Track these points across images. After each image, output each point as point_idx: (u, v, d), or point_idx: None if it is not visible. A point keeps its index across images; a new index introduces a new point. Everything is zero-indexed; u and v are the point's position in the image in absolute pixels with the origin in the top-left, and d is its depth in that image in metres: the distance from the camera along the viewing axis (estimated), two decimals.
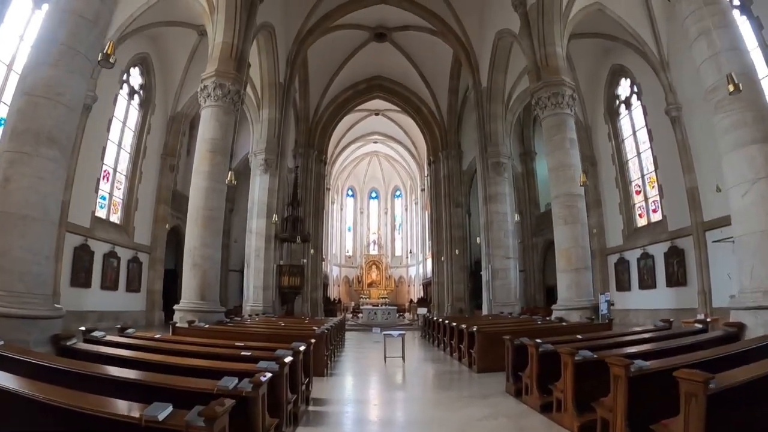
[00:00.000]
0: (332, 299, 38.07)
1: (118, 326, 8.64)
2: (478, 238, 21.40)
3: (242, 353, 5.85)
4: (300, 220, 23.97)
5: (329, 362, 10.56)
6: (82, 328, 7.39)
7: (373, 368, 11.20)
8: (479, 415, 6.44)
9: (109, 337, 7.31)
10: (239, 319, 15.20)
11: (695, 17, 9.43)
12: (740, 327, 7.68)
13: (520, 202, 28.43)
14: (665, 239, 18.78)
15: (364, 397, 8.27)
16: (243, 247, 22.72)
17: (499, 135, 22.31)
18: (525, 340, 7.47)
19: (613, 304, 16.04)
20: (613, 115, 22.54)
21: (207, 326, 11.17)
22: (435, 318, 16.81)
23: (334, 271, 44.91)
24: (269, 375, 4.04)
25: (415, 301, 38.45)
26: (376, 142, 43.72)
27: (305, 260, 24.45)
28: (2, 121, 13.17)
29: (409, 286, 46.67)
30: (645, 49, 18.70)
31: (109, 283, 19.46)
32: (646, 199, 20.75)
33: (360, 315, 30.14)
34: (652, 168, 20.18)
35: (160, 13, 18.90)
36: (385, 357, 11.62)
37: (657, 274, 19.06)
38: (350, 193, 50.85)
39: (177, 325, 11.51)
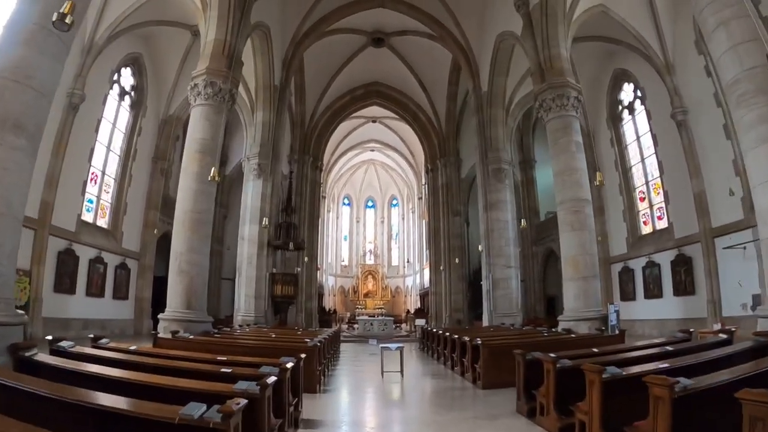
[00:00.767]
0: (327, 309, 37.27)
1: (91, 336, 7.87)
2: (480, 246, 20.72)
3: (222, 370, 5.13)
4: (294, 227, 23.20)
5: (322, 377, 9.80)
6: (49, 338, 6.66)
7: (369, 384, 10.42)
8: None
9: (78, 349, 6.57)
10: (228, 329, 14.39)
11: (713, 8, 8.80)
12: None
13: (520, 210, 27.78)
14: (672, 247, 18.25)
15: (360, 419, 7.48)
16: (236, 254, 21.94)
17: (499, 140, 21.70)
18: (538, 355, 6.78)
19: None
20: (615, 121, 22.06)
21: (192, 337, 10.43)
22: (434, 330, 16.05)
23: (329, 280, 44.18)
24: (243, 402, 3.29)
25: (412, 311, 37.69)
26: (373, 150, 43.17)
27: (299, 269, 23.69)
28: None
29: (405, 296, 45.99)
30: (649, 52, 18.30)
31: (95, 290, 18.75)
32: (651, 206, 20.21)
33: (356, 326, 29.39)
34: (657, 174, 19.67)
35: (152, 11, 18.43)
36: (382, 371, 10.85)
37: (663, 282, 18.49)
38: (346, 201, 50.23)
39: (160, 335, 10.73)
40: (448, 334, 13.05)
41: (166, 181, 23.31)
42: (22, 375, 4.45)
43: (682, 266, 17.51)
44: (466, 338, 10.57)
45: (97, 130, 19.09)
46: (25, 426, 2.68)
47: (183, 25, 19.90)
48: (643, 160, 20.52)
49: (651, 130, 19.70)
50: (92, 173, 19.18)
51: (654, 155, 19.64)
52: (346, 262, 48.81)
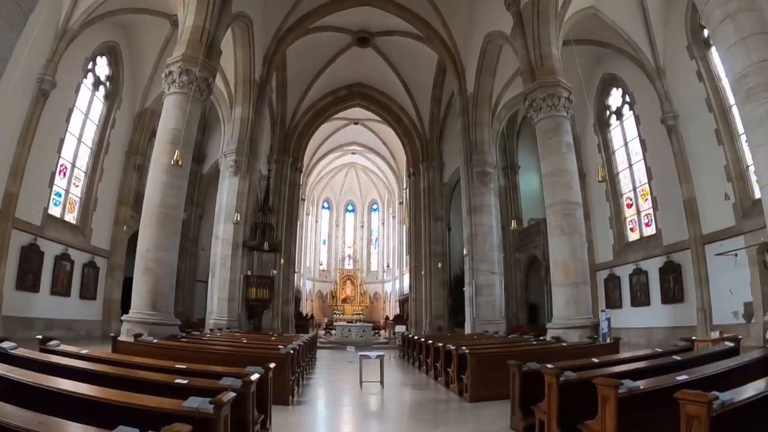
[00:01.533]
0: (304, 314, 36.39)
1: (39, 336, 7.01)
2: (465, 250, 20.09)
3: (176, 381, 4.37)
4: (271, 227, 22.29)
5: (296, 387, 9.04)
6: None
7: (347, 395, 9.65)
8: None
9: (21, 351, 5.73)
10: (198, 333, 13.48)
11: (719, 0, 8.35)
12: None
13: (503, 216, 27.30)
14: (660, 254, 17.93)
15: None
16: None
17: (485, 143, 21.18)
18: (535, 366, 6.17)
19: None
20: (603, 126, 21.79)
21: (155, 341, 9.59)
22: (415, 337, 15.32)
23: (307, 285, 43.30)
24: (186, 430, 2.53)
25: (391, 318, 37.06)
26: (354, 153, 42.53)
27: (275, 271, 22.81)
28: None
29: (384, 302, 45.32)
30: (640, 56, 18.04)
31: (61, 289, 17.73)
32: (638, 212, 19.92)
33: (333, 332, 28.57)
34: (645, 180, 19.39)
35: None
36: (361, 381, 10.07)
37: (651, 290, 18.16)
38: (326, 205, 49.44)
39: (121, 338, 9.85)
40: (430, 341, 12.34)
41: (140, 177, 22.15)
42: None
43: (671, 273, 17.18)
44: (451, 347, 9.88)
45: (68, 120, 18.13)
46: None
47: (162, 14, 18.95)
48: (630, 166, 20.23)
49: (639, 136, 19.42)
50: (61, 165, 18.20)
51: (642, 161, 19.35)
52: (324, 267, 47.98)
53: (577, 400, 5.18)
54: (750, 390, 3.95)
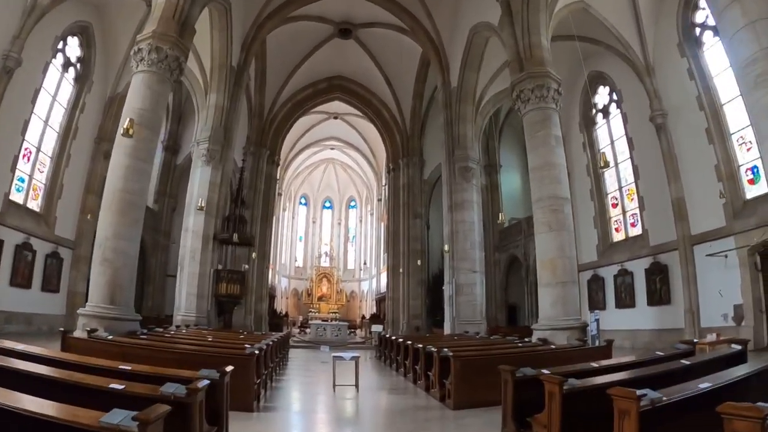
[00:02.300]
0: (279, 312, 35.43)
1: None
2: (446, 246, 19.45)
3: (111, 386, 3.59)
4: (243, 220, 21.36)
5: (263, 390, 8.25)
6: None
7: (319, 400, 8.90)
8: None
9: None
10: (161, 330, 12.53)
11: None
12: None
13: (484, 215, 26.84)
14: (646, 254, 17.59)
15: None
16: None
17: (468, 138, 20.63)
18: (529, 371, 5.54)
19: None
20: (589, 124, 21.45)
21: (111, 338, 8.72)
22: (393, 337, 14.57)
23: (282, 282, 42.48)
24: None
25: (368, 317, 36.38)
26: (333, 149, 41.79)
27: (247, 266, 21.89)
28: None
29: (361, 301, 44.71)
30: (629, 54, 17.69)
31: (21, 280, 16.72)
32: (624, 212, 19.57)
33: (308, 330, 27.76)
34: (631, 179, 19.08)
35: None
36: (334, 385, 9.28)
37: (637, 291, 17.80)
38: (303, 201, 48.59)
39: (72, 335, 8.93)
40: (409, 342, 11.60)
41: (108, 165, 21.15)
42: None
43: (658, 275, 16.84)
44: (432, 348, 9.14)
45: (33, 101, 17.12)
46: None
47: None
48: (617, 164, 19.86)
49: (627, 134, 19.09)
50: (25, 148, 17.19)
51: (629, 160, 19.00)
52: (300, 264, 47.10)
53: (581, 411, 4.56)
54: None
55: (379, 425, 7.28)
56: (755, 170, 14.21)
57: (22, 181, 17.31)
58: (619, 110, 19.77)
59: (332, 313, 39.54)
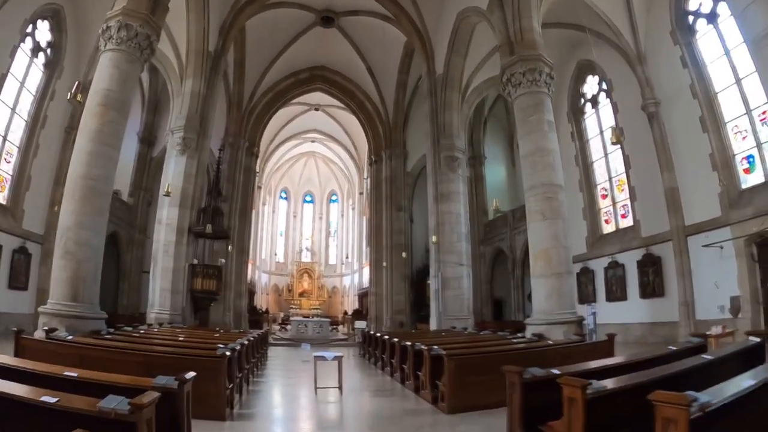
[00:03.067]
0: (259, 309, 34.59)
1: None
2: (433, 237, 18.79)
3: (42, 399, 2.87)
4: (219, 212, 20.44)
5: (238, 395, 7.53)
6: None
7: (299, 404, 8.16)
8: None
9: None
10: (129, 329, 11.63)
11: None
12: None
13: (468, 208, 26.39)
14: (638, 246, 17.18)
15: None
16: None
17: (454, 126, 20.02)
18: (539, 372, 4.93)
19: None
20: (577, 114, 21.06)
21: (71, 338, 7.91)
22: (378, 334, 13.85)
23: (263, 278, 41.51)
24: None
25: (350, 312, 35.73)
26: (314, 141, 40.93)
27: (223, 260, 21.03)
28: None
29: (343, 296, 43.95)
30: (621, 42, 17.28)
31: None
32: (614, 203, 19.18)
33: (288, 327, 26.96)
34: (621, 169, 18.69)
35: None
36: (315, 387, 8.55)
37: (628, 284, 17.41)
38: (283, 195, 47.59)
39: (26, 336, 8.05)
40: (396, 339, 10.85)
41: None
42: None
43: (650, 267, 16.46)
44: (423, 346, 8.41)
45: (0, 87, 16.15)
46: None
47: None
48: (606, 155, 19.49)
49: (617, 124, 18.57)
50: None
51: (619, 150, 18.53)
52: (281, 259, 46.10)
53: (603, 417, 3.94)
54: None
55: None
56: (751, 159, 13.87)
57: None
58: (608, 99, 19.37)
59: (314, 309, 38.74)
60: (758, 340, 6.26)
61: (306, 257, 45.60)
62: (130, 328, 11.70)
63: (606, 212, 19.66)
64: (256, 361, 11.11)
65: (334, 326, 30.08)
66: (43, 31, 18.08)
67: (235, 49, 23.82)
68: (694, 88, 15.11)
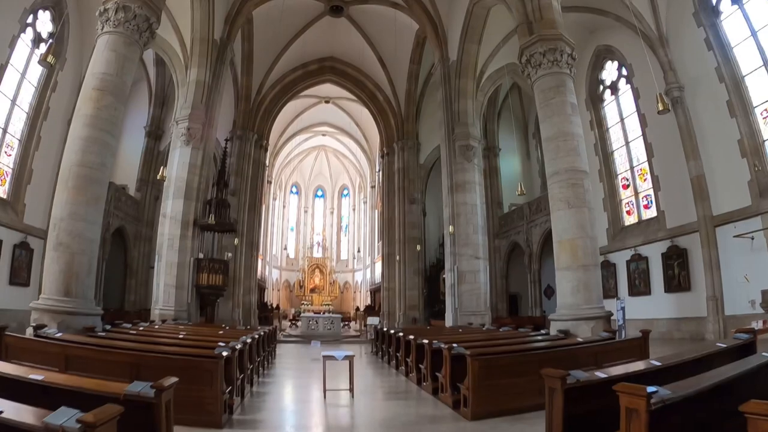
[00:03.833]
0: (269, 305, 34.07)
1: None
2: (450, 227, 18.07)
3: None
4: (226, 204, 19.80)
5: (238, 398, 6.90)
6: None
7: (305, 409, 7.46)
8: None
9: None
10: (128, 325, 11.05)
11: None
12: None
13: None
14: (663, 237, 16.39)
15: None
16: None
17: (468, 114, 19.30)
18: (582, 376, 4.22)
19: None
20: (596, 102, 20.21)
21: (60, 335, 7.33)
22: (392, 331, 13.12)
23: (273, 273, 41.08)
24: None
25: (362, 308, 35.17)
26: (324, 135, 40.34)
27: (230, 254, 20.44)
28: None
29: (355, 292, 43.42)
30: (642, 24, 16.33)
31: None
32: (636, 193, 18.37)
33: (299, 323, 26.40)
34: (644, 158, 17.85)
35: None
36: (324, 390, 7.80)
37: (652, 278, 16.63)
38: (294, 190, 47.12)
39: (14, 333, 7.47)
40: (411, 337, 10.13)
41: None
42: None
43: (676, 259, 15.68)
44: (442, 345, 7.61)
45: None
46: None
47: None
48: (627, 143, 18.66)
49: (638, 110, 17.85)
50: None
51: (641, 138, 17.73)
52: (292, 255, 45.65)
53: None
54: None
55: None
56: None
57: None
58: (629, 85, 18.52)
59: (325, 305, 38.35)
60: None
61: (317, 252, 45.16)
62: (128, 325, 11.11)
63: (628, 203, 18.88)
64: (261, 360, 10.47)
65: (346, 322, 29.59)
66: (45, 22, 17.64)
67: (243, 41, 23.30)
68: (720, 71, 14.33)
